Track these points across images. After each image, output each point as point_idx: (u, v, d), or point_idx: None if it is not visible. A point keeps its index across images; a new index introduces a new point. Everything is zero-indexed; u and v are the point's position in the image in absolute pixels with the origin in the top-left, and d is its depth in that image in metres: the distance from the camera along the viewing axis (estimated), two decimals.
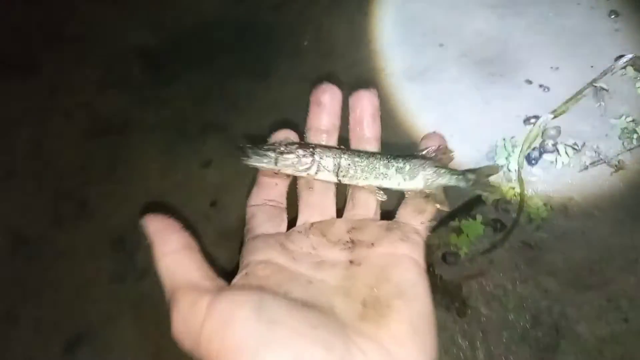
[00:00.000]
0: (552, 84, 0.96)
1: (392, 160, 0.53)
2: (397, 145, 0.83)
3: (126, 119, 1.01)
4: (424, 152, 0.55)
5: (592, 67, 0.96)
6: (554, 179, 0.86)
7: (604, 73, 0.94)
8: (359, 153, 0.53)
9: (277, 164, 0.52)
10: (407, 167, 0.52)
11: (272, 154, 0.51)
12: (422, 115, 0.95)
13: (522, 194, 0.82)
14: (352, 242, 0.50)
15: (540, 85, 0.96)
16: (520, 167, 0.85)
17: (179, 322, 0.38)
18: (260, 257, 0.47)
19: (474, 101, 0.96)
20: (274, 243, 0.50)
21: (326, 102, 0.56)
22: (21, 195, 0.94)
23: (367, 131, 0.56)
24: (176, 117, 1.01)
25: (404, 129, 0.93)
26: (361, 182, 0.53)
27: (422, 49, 1.03)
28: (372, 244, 0.49)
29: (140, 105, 1.03)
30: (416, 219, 0.53)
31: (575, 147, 0.87)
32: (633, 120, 0.89)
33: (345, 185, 0.57)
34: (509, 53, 1.00)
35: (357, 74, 1.01)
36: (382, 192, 0.54)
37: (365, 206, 0.54)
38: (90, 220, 0.90)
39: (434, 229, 0.81)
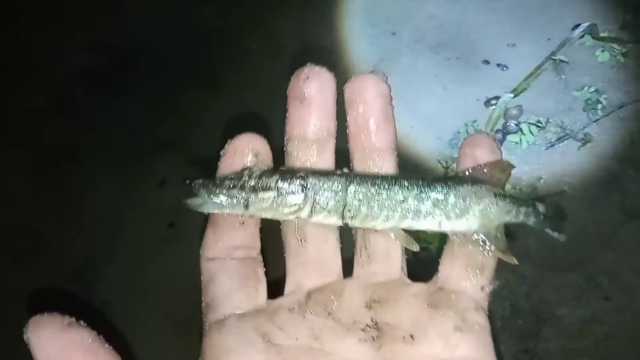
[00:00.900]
0: (510, 62, 0.93)
1: (426, 189, 0.34)
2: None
3: (76, 144, 0.97)
4: (473, 172, 0.35)
5: (549, 39, 0.93)
6: (521, 159, 0.83)
7: (562, 45, 0.91)
8: (374, 180, 0.35)
9: (249, 208, 0.34)
10: (452, 197, 0.34)
11: (240, 193, 0.34)
12: None
13: None
14: (376, 326, 0.33)
15: (498, 65, 0.93)
16: None
17: None
18: (228, 356, 0.32)
19: (432, 88, 0.93)
20: (253, 336, 0.33)
21: (313, 96, 0.36)
22: None
23: (376, 139, 0.36)
24: (128, 137, 0.97)
25: None
26: (380, 225, 0.35)
27: (375, 40, 1.00)
28: (411, 336, 0.32)
29: (89, 129, 0.98)
30: (473, 282, 0.34)
31: (540, 124, 0.85)
32: (596, 91, 0.87)
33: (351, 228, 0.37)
34: (463, 35, 0.97)
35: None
36: (411, 238, 0.35)
37: (387, 259, 0.35)
38: (46, 256, 0.86)
39: None
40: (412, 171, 0.84)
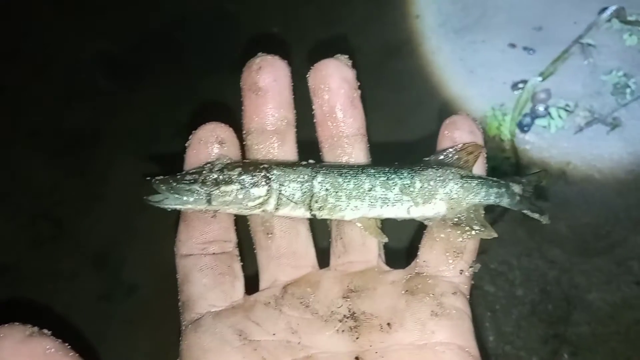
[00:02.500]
0: (537, 45, 0.92)
1: (392, 175, 0.33)
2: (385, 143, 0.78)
3: (96, 130, 0.97)
4: (441, 156, 0.34)
5: (575, 23, 0.92)
6: (549, 144, 0.82)
7: (589, 28, 0.90)
8: (341, 169, 0.34)
9: (212, 202, 0.33)
10: (418, 183, 0.33)
11: (202, 188, 0.33)
12: (404, 91, 0.91)
13: (517, 163, 0.79)
14: (354, 316, 0.31)
15: (525, 48, 0.92)
16: (512, 135, 0.81)
17: None
18: (210, 358, 0.30)
19: (457, 72, 0.92)
20: (229, 334, 0.31)
21: (268, 85, 0.35)
22: None
23: (344, 124, 0.34)
24: (148, 122, 0.96)
25: (388, 108, 0.89)
26: (349, 215, 0.33)
27: (398, 23, 0.99)
28: (388, 324, 0.31)
29: (108, 115, 0.98)
30: (451, 266, 0.33)
31: (568, 108, 0.84)
32: (624, 75, 0.85)
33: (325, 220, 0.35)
34: (488, 18, 0.96)
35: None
36: (379, 230, 0.34)
37: (363, 248, 0.34)
38: (69, 241, 0.86)
39: None
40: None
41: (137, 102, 0.98)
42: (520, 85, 0.87)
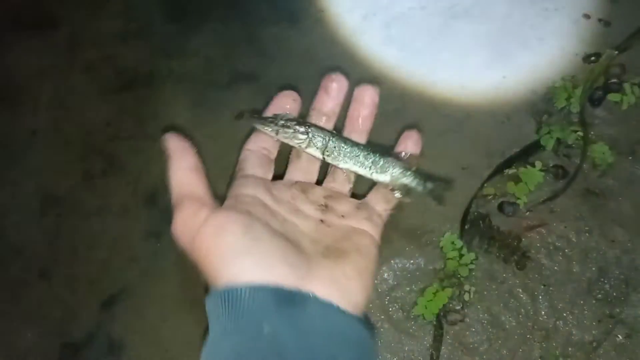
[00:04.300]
0: (613, 18, 0.87)
1: (370, 154, 0.56)
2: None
3: (151, 70, 0.96)
4: (399, 153, 0.58)
5: None
6: (620, 120, 0.78)
7: None
8: (346, 140, 0.57)
9: (277, 135, 0.56)
10: (381, 162, 0.56)
11: (273, 125, 0.56)
12: (471, 55, 0.88)
13: (585, 138, 0.75)
14: (326, 206, 0.54)
15: (600, 20, 0.87)
16: (582, 109, 0.78)
17: (181, 224, 0.47)
18: (247, 192, 0.51)
19: (527, 39, 0.88)
20: (261, 184, 0.53)
21: (333, 91, 0.58)
22: (48, 153, 0.90)
23: (361, 124, 0.59)
24: (204, 67, 0.95)
25: (452, 70, 0.86)
26: (341, 165, 0.57)
27: None
28: (343, 216, 0.53)
29: (165, 56, 0.97)
30: (381, 206, 0.56)
31: None
32: None
33: (328, 165, 0.60)
34: None
35: (395, 13, 0.93)
36: (352, 178, 0.59)
37: (343, 183, 0.57)
38: (121, 177, 0.86)
39: (489, 177, 0.76)
40: (502, 123, 0.80)
41: (193, 46, 0.96)
42: (593, 58, 0.83)
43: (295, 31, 0.95)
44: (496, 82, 0.85)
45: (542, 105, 0.80)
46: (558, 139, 0.76)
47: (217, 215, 0.46)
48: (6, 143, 0.91)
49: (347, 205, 0.55)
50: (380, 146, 0.58)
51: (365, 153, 0.56)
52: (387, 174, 0.56)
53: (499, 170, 0.75)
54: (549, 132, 0.76)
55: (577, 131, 0.76)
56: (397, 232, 0.74)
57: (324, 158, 0.56)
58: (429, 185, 0.58)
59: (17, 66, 0.99)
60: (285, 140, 0.56)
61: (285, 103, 0.57)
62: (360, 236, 0.52)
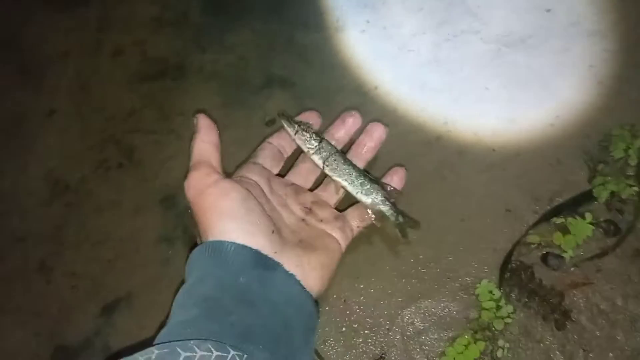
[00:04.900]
0: None
1: (361, 176, 0.63)
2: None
3: (182, 63, 0.91)
4: (385, 184, 0.64)
5: None
6: None
7: None
8: (346, 160, 0.64)
9: (295, 135, 0.64)
10: (368, 186, 0.63)
11: (296, 127, 0.64)
12: (522, 89, 0.82)
13: None
14: (310, 210, 0.62)
15: None
16: None
17: (193, 180, 0.54)
18: (251, 176, 0.60)
19: (584, 79, 0.82)
20: (265, 174, 0.62)
21: (348, 124, 0.68)
22: (63, 137, 0.84)
23: (363, 153, 0.68)
24: (238, 66, 0.89)
25: (501, 102, 0.81)
26: (335, 177, 0.64)
27: (526, 14, 0.89)
28: (321, 221, 0.61)
29: (198, 49, 0.92)
30: (355, 222, 0.64)
31: None
32: None
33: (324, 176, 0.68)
34: (627, 26, 0.85)
35: (446, 35, 0.88)
36: (340, 190, 0.66)
37: (331, 195, 0.66)
38: (138, 172, 0.81)
39: (534, 224, 0.70)
40: (552, 166, 0.75)
41: (229, 42, 0.91)
42: None
43: (337, 40, 0.90)
44: (548, 120, 0.79)
45: (596, 153, 0.75)
46: (612, 192, 0.70)
47: (224, 181, 0.54)
48: (22, 121, 0.86)
49: (327, 213, 0.63)
50: (372, 174, 0.66)
51: (358, 174, 0.63)
52: (369, 197, 0.63)
53: (545, 217, 0.70)
54: (603, 184, 0.70)
55: (633, 186, 0.70)
56: (430, 271, 0.69)
57: (323, 167, 0.64)
58: (400, 218, 0.63)
59: (43, 43, 0.94)
60: (299, 143, 0.65)
61: (309, 118, 0.68)
62: (330, 240, 0.60)
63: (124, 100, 0.87)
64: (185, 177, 0.58)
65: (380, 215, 0.63)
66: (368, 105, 0.84)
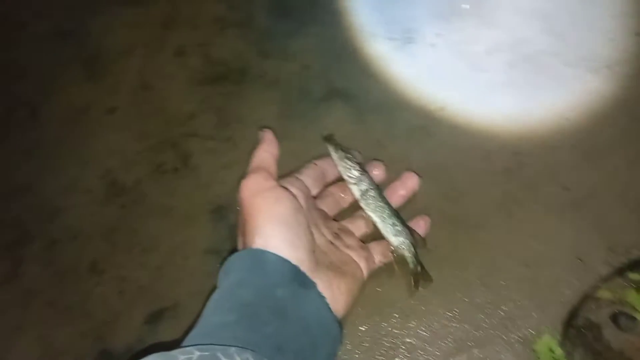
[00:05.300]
0: None
1: (394, 217, 0.63)
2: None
3: (243, 67, 0.89)
4: (414, 231, 0.64)
5: None
6: None
7: None
8: (383, 198, 0.65)
9: (339, 162, 0.66)
10: (398, 227, 0.63)
11: (341, 154, 0.66)
12: (608, 116, 0.76)
13: None
14: (338, 236, 0.63)
15: None
16: None
17: (250, 181, 0.56)
18: (292, 189, 0.59)
19: None
20: (304, 190, 0.62)
21: (378, 173, 0.70)
22: (123, 136, 0.85)
23: (396, 197, 0.69)
24: (300, 75, 0.87)
25: (580, 134, 0.75)
26: (368, 211, 0.64)
27: (615, 36, 0.82)
28: (348, 247, 0.62)
29: (260, 55, 0.89)
30: (377, 257, 0.65)
31: None
32: None
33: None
34: None
35: (522, 55, 0.81)
36: (371, 225, 0.66)
37: (357, 228, 0.67)
38: (192, 179, 0.80)
39: (607, 278, 0.64)
40: (633, 212, 0.68)
41: (293, 49, 0.89)
42: None
43: (407, 53, 0.86)
44: (631, 158, 0.72)
45: None
46: None
47: (280, 189, 0.56)
48: (83, 116, 0.87)
49: (353, 241, 0.64)
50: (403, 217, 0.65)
51: (391, 214, 0.63)
52: (397, 238, 0.63)
53: (620, 271, 0.64)
54: None
55: None
56: (486, 317, 0.65)
57: (359, 199, 0.65)
58: (419, 269, 0.63)
59: (109, 37, 0.94)
60: (340, 169, 0.66)
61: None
62: (356, 267, 0.61)
63: (184, 103, 0.87)
64: (237, 189, 0.57)
65: (401, 258, 0.63)
66: (433, 126, 0.79)
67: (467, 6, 0.88)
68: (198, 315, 0.70)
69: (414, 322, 0.66)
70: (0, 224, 0.79)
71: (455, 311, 0.66)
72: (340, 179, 0.69)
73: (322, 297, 0.53)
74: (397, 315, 0.66)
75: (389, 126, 0.80)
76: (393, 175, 0.71)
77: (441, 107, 0.81)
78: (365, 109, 0.82)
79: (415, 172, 0.69)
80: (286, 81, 0.86)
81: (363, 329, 0.66)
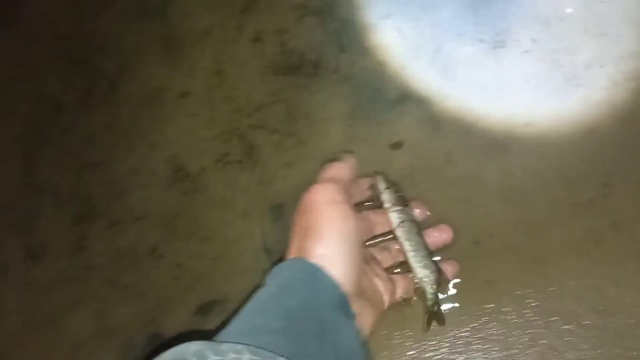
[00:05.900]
0: None
1: (425, 250, 0.62)
2: None
3: (318, 60, 0.86)
4: (442, 271, 0.63)
5: None
6: None
7: None
8: (420, 232, 0.63)
9: (384, 190, 0.64)
10: (427, 261, 0.61)
11: (389, 185, 0.64)
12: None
13: None
14: (369, 262, 0.61)
15: None
16: None
17: (320, 189, 0.54)
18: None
19: None
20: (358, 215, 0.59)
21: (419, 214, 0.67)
22: (192, 122, 0.85)
23: (428, 242, 0.64)
24: (375, 73, 0.82)
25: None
26: (401, 240, 0.62)
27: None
28: (377, 275, 0.60)
29: (337, 47, 0.86)
30: (400, 289, 0.63)
31: None
32: None
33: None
34: None
35: (631, 70, 0.72)
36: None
37: (385, 258, 0.64)
38: (254, 173, 0.79)
39: None
40: None
41: (371, 44, 0.84)
42: None
43: (496, 58, 0.79)
44: None
45: None
46: None
47: (350, 207, 0.54)
48: (157, 98, 0.88)
49: (380, 271, 0.62)
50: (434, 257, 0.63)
51: (424, 247, 0.62)
52: (424, 271, 0.61)
53: None
54: None
55: None
56: None
57: (395, 228, 0.63)
58: (436, 308, 0.63)
59: (187, 18, 0.94)
60: (384, 198, 0.64)
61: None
62: (380, 297, 0.60)
63: (254, 92, 0.85)
64: (299, 189, 0.55)
65: (421, 293, 0.63)
66: (513, 143, 0.73)
67: (571, 10, 0.79)
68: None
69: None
70: (70, 197, 0.83)
71: (514, 350, 0.61)
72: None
73: (358, 331, 0.51)
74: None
75: (464, 138, 0.75)
76: (456, 196, 0.68)
77: (526, 122, 0.74)
78: (440, 117, 0.77)
79: (450, 228, 0.67)
80: (359, 78, 0.82)
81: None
